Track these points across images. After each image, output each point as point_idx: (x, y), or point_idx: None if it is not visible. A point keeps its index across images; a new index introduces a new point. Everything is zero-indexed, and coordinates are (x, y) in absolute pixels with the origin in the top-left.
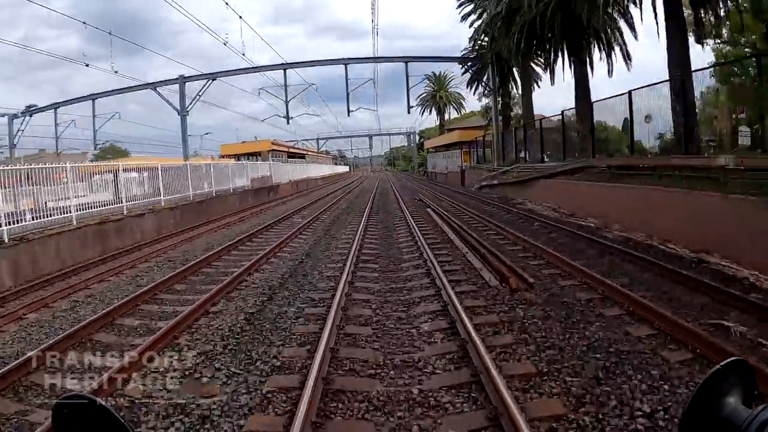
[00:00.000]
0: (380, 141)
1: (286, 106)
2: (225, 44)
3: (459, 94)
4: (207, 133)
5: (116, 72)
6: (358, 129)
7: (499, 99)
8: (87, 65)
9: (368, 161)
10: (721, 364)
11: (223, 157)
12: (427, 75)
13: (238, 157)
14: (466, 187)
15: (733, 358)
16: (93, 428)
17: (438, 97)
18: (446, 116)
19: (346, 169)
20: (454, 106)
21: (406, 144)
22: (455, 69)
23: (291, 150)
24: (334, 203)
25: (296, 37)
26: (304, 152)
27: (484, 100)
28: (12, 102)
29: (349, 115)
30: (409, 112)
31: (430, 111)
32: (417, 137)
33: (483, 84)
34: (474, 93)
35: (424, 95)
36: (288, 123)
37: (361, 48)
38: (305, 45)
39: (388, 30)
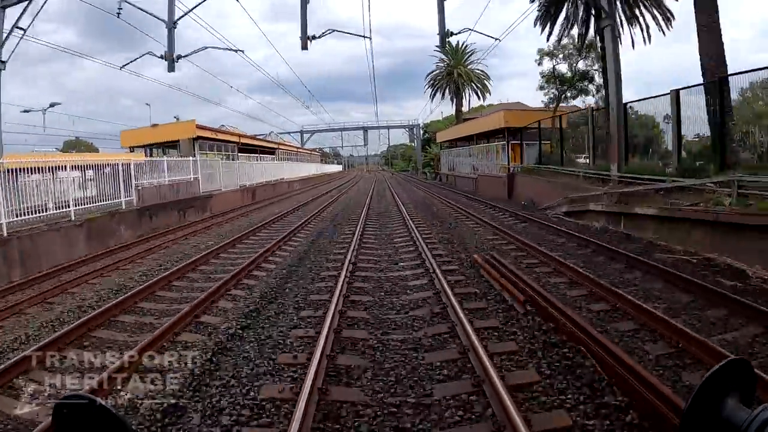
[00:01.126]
0: (378, 137)
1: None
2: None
3: (482, 72)
4: (53, 105)
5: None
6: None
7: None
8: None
9: (364, 160)
10: (721, 364)
11: (133, 150)
12: (439, 46)
13: (149, 149)
14: (522, 206)
15: (732, 358)
16: (93, 428)
17: (456, 74)
18: (465, 102)
19: (338, 168)
20: (475, 88)
21: (408, 140)
22: (476, 37)
23: (245, 140)
24: (296, 230)
25: (293, 35)
26: (274, 146)
27: (546, 66)
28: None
29: (306, 47)
30: (444, 45)
31: (443, 94)
32: (422, 131)
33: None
34: (548, 34)
35: (436, 72)
36: (172, 69)
37: (359, 47)
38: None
39: (387, 29)
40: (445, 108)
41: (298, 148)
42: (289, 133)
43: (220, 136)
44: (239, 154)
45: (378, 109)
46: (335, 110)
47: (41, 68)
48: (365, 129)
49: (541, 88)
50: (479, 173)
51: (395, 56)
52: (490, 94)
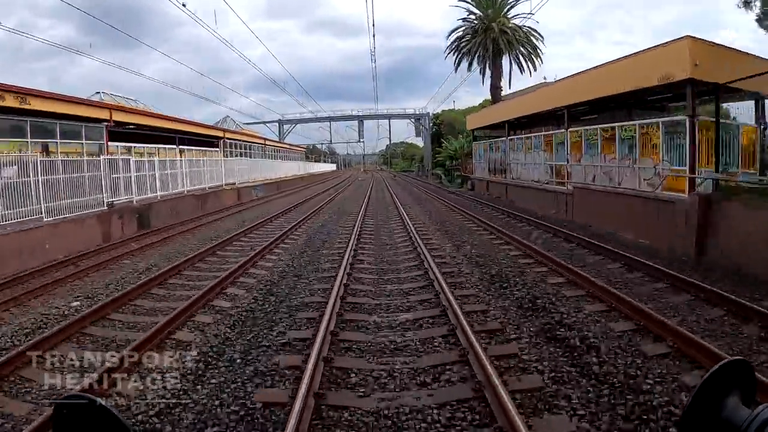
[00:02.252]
0: (377, 130)
1: None
2: None
3: (532, 29)
4: None
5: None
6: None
7: None
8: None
9: (361, 159)
10: (721, 363)
11: None
12: None
13: None
14: None
15: (733, 358)
16: (93, 428)
17: (498, 29)
18: (505, 74)
19: (330, 167)
20: (519, 55)
21: (409, 136)
22: None
23: (123, 117)
24: None
25: (290, 33)
26: (216, 134)
27: None
28: None
29: None
30: None
31: (471, 62)
32: (430, 123)
33: None
34: None
35: (462, 29)
36: None
37: (359, 45)
38: (300, 40)
39: (387, 27)
40: (460, 101)
41: (266, 139)
42: (264, 123)
43: (13, 104)
44: (122, 144)
45: (378, 108)
46: (332, 109)
47: (40, 62)
48: (361, 119)
49: (746, 3)
50: (576, 184)
51: (395, 55)
52: (542, 62)
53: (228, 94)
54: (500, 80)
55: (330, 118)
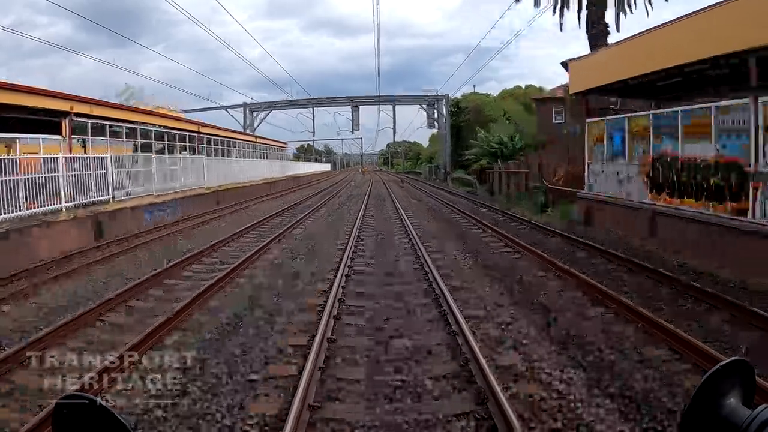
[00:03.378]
0: (378, 123)
1: None
2: None
3: None
4: None
5: None
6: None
7: None
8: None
9: (360, 159)
10: (721, 363)
11: None
12: None
13: None
14: None
15: (733, 358)
16: (93, 428)
17: None
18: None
19: (323, 168)
20: None
21: (419, 126)
22: None
23: None
24: None
25: (290, 32)
26: (52, 105)
27: None
28: None
29: None
30: None
31: None
32: (447, 109)
33: None
34: None
35: None
36: None
37: (358, 45)
38: (300, 39)
39: (388, 27)
40: (480, 87)
41: (201, 125)
42: (225, 108)
43: None
44: None
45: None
46: (330, 110)
47: (39, 60)
48: (356, 104)
49: None
50: None
51: (396, 55)
52: None
53: (230, 94)
54: (603, 15)
55: (315, 104)
